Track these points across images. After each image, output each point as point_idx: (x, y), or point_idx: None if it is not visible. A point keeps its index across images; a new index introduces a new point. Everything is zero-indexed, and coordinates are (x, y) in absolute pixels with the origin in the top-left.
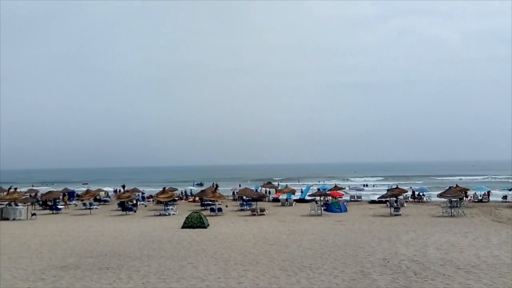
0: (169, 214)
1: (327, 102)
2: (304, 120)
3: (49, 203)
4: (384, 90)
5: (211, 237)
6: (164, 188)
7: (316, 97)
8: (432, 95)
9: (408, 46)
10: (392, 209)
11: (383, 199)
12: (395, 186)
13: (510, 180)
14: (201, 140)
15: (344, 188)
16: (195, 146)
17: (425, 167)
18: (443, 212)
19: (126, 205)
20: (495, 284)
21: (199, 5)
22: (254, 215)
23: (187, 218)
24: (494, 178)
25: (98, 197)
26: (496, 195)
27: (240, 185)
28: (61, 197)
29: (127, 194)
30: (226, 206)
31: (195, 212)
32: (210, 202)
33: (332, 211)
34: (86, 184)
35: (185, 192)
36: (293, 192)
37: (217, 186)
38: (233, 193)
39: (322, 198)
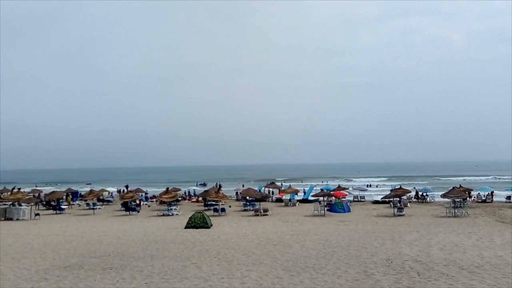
0: (172, 214)
1: (327, 102)
2: (304, 120)
3: (53, 203)
4: (385, 90)
5: (214, 237)
6: (167, 188)
7: (317, 97)
8: (433, 95)
9: (409, 46)
10: (396, 210)
11: (387, 200)
12: (399, 187)
13: None
14: (202, 140)
15: (348, 188)
16: (196, 146)
17: (428, 167)
18: (446, 213)
19: (130, 205)
20: (499, 284)
21: (199, 5)
22: (258, 215)
23: (190, 218)
24: (498, 178)
25: (101, 197)
26: (500, 196)
27: (243, 186)
28: (64, 197)
29: (130, 194)
30: (230, 206)
31: (198, 212)
32: (214, 202)
33: (335, 211)
34: (90, 184)
35: (189, 192)
36: (296, 192)
37: (220, 186)
38: (237, 193)
39: (325, 199)
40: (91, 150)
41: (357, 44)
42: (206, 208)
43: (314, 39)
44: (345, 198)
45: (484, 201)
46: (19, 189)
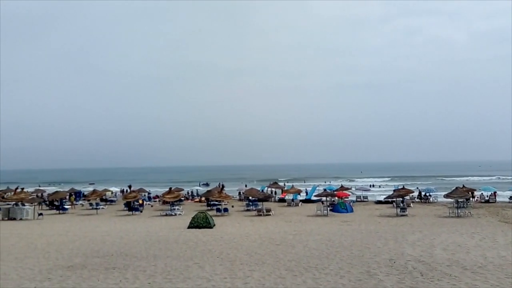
0: (175, 214)
1: (329, 102)
2: (306, 120)
3: (56, 203)
4: (387, 90)
5: (217, 237)
6: (170, 188)
7: (319, 97)
8: (436, 95)
9: (410, 46)
10: (399, 210)
11: (390, 200)
12: (402, 187)
13: None
14: (204, 140)
15: (351, 189)
16: (198, 146)
17: (431, 167)
18: (449, 213)
19: (133, 205)
20: (502, 284)
21: (200, 5)
22: (260, 215)
23: (193, 218)
24: (501, 178)
25: (104, 197)
26: (503, 196)
27: (246, 185)
28: (67, 197)
29: (133, 194)
30: (232, 206)
31: (201, 212)
32: (216, 202)
33: (338, 211)
34: (93, 184)
35: (191, 192)
36: (299, 192)
37: (223, 186)
38: (239, 193)
39: (328, 199)
40: (93, 150)
41: (359, 44)
42: (209, 208)
43: (315, 39)
44: (348, 198)
45: (487, 201)
46: (22, 189)
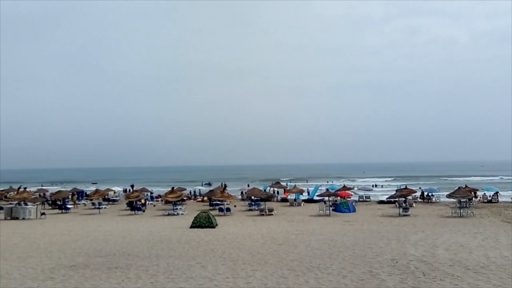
0: (177, 214)
1: (332, 102)
2: (309, 120)
3: (59, 202)
4: (389, 90)
5: (220, 237)
6: (172, 188)
7: (321, 96)
8: (438, 94)
9: (412, 46)
10: (401, 210)
11: (392, 200)
12: (404, 187)
13: None
14: (206, 140)
15: (353, 188)
16: (200, 146)
17: (433, 167)
18: (452, 213)
19: (135, 204)
20: (504, 284)
21: (200, 4)
22: (263, 215)
23: (195, 218)
24: (504, 179)
25: (107, 197)
26: (506, 196)
27: (248, 185)
28: (70, 196)
29: (136, 194)
30: (235, 206)
31: (204, 212)
32: (219, 202)
33: (340, 211)
34: (95, 183)
35: (194, 192)
36: (301, 192)
37: (225, 186)
38: (242, 193)
39: (330, 198)
40: (94, 150)
41: (360, 44)
42: (211, 207)
43: (316, 39)
44: (350, 198)
45: (489, 201)
46: (25, 188)
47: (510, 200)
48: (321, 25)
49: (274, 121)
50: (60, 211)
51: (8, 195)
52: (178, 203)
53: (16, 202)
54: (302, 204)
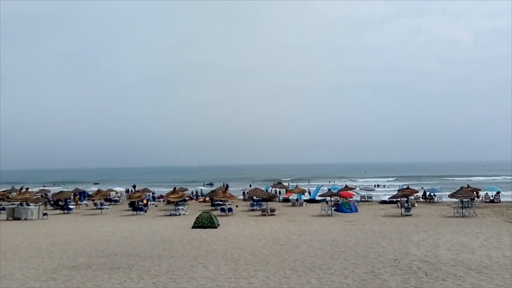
0: (179, 214)
1: (334, 102)
2: (311, 120)
3: (61, 203)
4: (391, 90)
5: (222, 237)
6: (174, 188)
7: (323, 96)
8: (440, 94)
9: (414, 46)
10: (403, 210)
11: (394, 200)
12: (406, 187)
13: None
14: (207, 140)
15: (355, 188)
16: (201, 147)
17: (435, 167)
18: (454, 213)
19: (137, 205)
20: (507, 285)
21: (200, 4)
22: (265, 215)
23: (197, 218)
24: (506, 179)
25: (109, 197)
26: (508, 196)
27: (250, 185)
28: (72, 197)
29: (137, 194)
30: (237, 206)
31: (206, 212)
32: (221, 202)
33: (342, 211)
34: (97, 184)
35: (196, 192)
36: (303, 192)
37: (227, 186)
38: (244, 193)
39: (332, 198)
40: (95, 150)
41: (362, 44)
42: (213, 208)
43: (317, 39)
44: (352, 198)
45: (492, 201)
46: (27, 189)
47: None
48: (321, 25)
49: (275, 121)
50: (62, 211)
51: (10, 196)
52: (180, 203)
53: (18, 202)
54: (304, 204)
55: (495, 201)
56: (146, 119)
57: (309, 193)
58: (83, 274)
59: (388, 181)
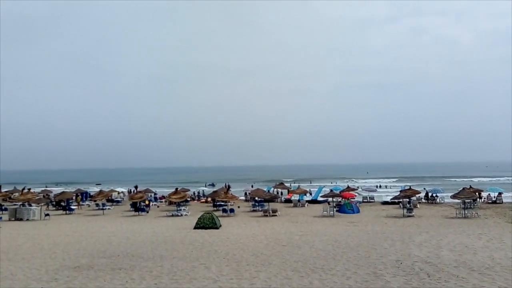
0: (181, 215)
1: (336, 103)
2: (312, 121)
3: (63, 203)
4: (394, 90)
5: (223, 238)
6: (176, 189)
7: (325, 97)
8: (443, 95)
9: (415, 47)
10: (405, 210)
11: (396, 200)
12: (408, 187)
13: None
14: (209, 141)
15: (357, 189)
16: (203, 147)
17: (438, 168)
18: (456, 214)
19: (139, 205)
20: (509, 286)
21: (201, 5)
22: (266, 216)
23: (199, 219)
24: (509, 180)
25: (110, 198)
26: (510, 197)
27: (252, 186)
28: (74, 197)
29: (139, 195)
30: (238, 207)
31: (207, 213)
32: (222, 203)
33: (344, 212)
34: (99, 184)
35: (198, 193)
36: (305, 193)
37: (229, 187)
38: (245, 194)
39: (334, 199)
40: (96, 150)
41: (363, 44)
42: (215, 208)
43: (318, 39)
44: (354, 199)
45: (494, 202)
46: (29, 189)
47: None
48: (322, 25)
49: (275, 121)
50: (64, 212)
51: (12, 196)
52: (181, 204)
53: (21, 203)
54: (306, 205)
55: (497, 202)
56: (146, 119)
57: (311, 193)
58: (85, 275)
59: (390, 182)
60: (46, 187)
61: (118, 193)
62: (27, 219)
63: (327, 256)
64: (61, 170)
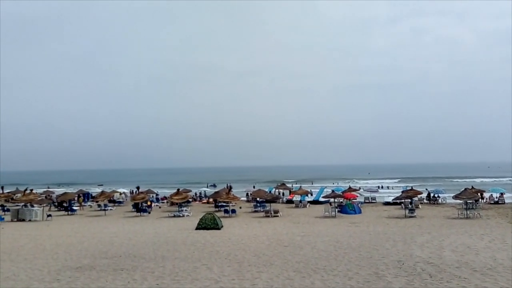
0: (183, 216)
1: (337, 103)
2: (314, 121)
3: (65, 204)
4: (395, 91)
5: (225, 238)
6: (178, 190)
7: (326, 97)
8: (445, 95)
9: (417, 47)
10: (407, 211)
11: (398, 201)
12: (410, 188)
13: None
14: (210, 141)
15: (359, 190)
16: (204, 148)
17: (440, 168)
18: (458, 214)
19: (141, 206)
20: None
21: (202, 5)
22: (268, 216)
23: (201, 219)
24: (511, 180)
25: (112, 199)
26: None
27: (254, 187)
28: (76, 198)
29: (141, 196)
30: (240, 207)
31: (209, 214)
32: (224, 204)
33: (346, 212)
34: (101, 185)
35: (199, 193)
36: (307, 193)
37: (231, 187)
38: (247, 194)
39: (336, 200)
40: (96, 150)
41: (364, 45)
42: (217, 209)
43: (319, 39)
44: (356, 199)
45: (496, 203)
46: (31, 190)
47: None
48: (322, 25)
49: (275, 122)
50: (66, 213)
51: (14, 197)
52: (183, 204)
53: (23, 204)
54: (307, 206)
55: (499, 202)
56: (146, 119)
57: (312, 194)
58: (87, 276)
59: (392, 182)
60: (48, 188)
61: (120, 194)
62: (29, 220)
63: (329, 257)
64: (62, 171)
